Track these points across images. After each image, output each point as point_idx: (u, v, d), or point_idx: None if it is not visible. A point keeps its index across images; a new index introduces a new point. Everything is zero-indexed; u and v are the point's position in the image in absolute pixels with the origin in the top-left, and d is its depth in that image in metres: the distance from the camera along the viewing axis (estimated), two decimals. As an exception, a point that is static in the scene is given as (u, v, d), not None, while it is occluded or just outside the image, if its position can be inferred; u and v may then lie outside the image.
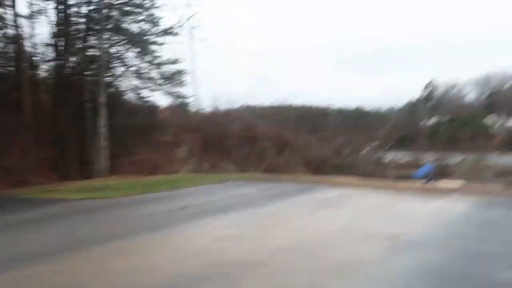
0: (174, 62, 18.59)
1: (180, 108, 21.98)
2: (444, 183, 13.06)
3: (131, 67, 18.46)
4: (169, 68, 18.85)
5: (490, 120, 71.05)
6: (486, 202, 8.89)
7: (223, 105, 25.20)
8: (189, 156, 19.01)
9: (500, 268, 4.04)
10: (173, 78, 19.06)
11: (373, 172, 26.08)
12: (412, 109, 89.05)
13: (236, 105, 26.97)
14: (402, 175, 22.21)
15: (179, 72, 19.15)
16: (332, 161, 21.36)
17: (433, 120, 77.88)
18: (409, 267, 4.13)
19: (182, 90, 20.01)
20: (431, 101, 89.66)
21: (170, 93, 19.70)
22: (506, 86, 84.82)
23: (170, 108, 21.92)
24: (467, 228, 6.26)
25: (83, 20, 17.17)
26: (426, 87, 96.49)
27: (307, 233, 5.80)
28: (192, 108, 23.24)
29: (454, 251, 4.68)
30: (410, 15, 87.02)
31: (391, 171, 30.79)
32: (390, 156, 52.81)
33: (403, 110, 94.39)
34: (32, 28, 16.13)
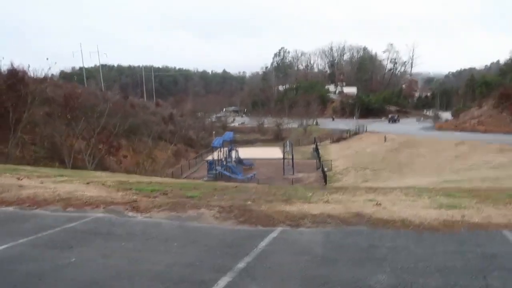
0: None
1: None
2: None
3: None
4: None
5: (330, 88, 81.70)
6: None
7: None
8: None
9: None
10: None
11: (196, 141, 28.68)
12: (265, 75, 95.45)
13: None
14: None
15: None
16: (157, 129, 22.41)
17: (281, 87, 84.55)
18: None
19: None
20: (281, 69, 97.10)
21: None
22: (344, 58, 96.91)
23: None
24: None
25: None
26: (276, 55, 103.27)
27: None
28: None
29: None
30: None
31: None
32: (240, 121, 58.26)
33: (258, 76, 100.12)
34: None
